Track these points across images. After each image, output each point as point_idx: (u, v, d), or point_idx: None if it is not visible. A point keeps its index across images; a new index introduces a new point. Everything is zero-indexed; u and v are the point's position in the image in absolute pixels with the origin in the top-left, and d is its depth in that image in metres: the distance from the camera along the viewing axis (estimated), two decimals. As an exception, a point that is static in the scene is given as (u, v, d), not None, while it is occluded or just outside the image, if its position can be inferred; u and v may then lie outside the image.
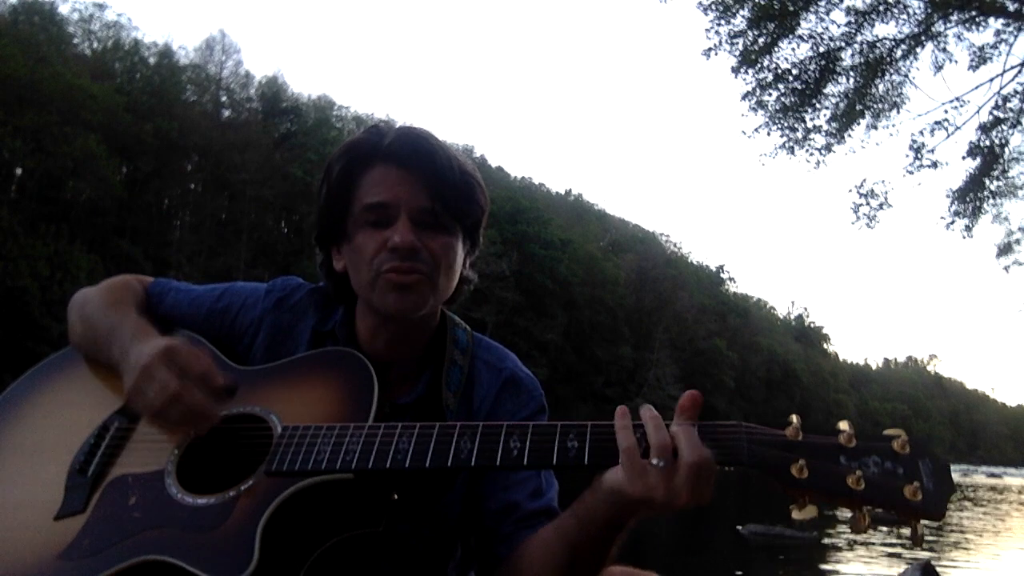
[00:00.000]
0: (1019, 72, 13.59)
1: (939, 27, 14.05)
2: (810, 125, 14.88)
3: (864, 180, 15.62)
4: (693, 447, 1.01)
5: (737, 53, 14.38)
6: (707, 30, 14.28)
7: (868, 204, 15.02)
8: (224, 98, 56.38)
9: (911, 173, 14.32)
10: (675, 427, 1.04)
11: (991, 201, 14.89)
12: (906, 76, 14.42)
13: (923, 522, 0.95)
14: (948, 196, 15.04)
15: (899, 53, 14.28)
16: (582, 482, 1.14)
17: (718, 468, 1.02)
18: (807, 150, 15.00)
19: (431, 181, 1.30)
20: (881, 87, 14.60)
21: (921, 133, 14.28)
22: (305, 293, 1.47)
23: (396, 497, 1.19)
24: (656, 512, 1.03)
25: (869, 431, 1.01)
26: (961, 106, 13.97)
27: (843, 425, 1.01)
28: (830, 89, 14.63)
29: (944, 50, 14.13)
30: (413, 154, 1.31)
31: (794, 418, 1.03)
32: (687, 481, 1.00)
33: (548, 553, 1.21)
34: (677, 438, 1.02)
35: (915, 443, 0.98)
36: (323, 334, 1.42)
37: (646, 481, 1.00)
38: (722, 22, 14.18)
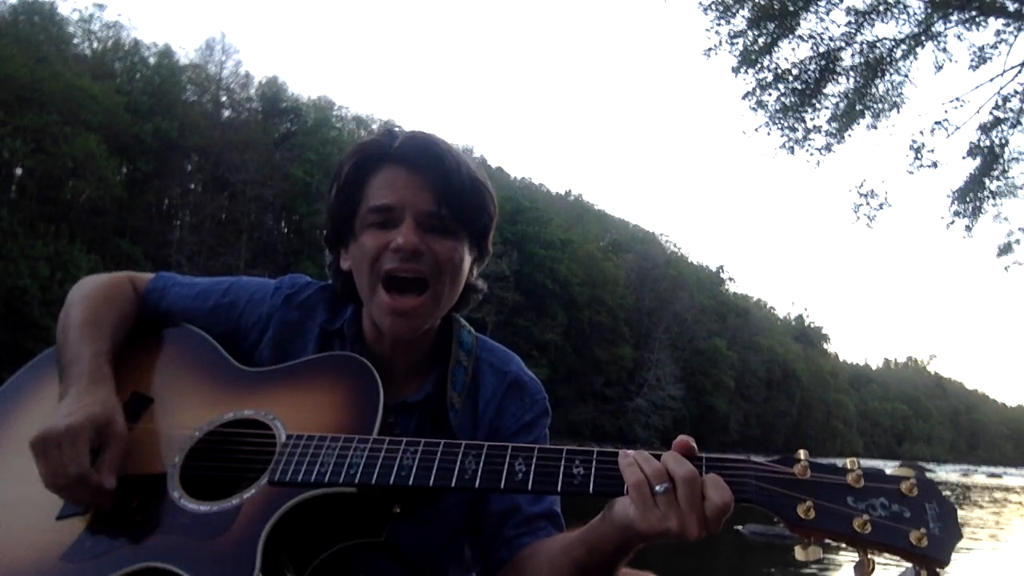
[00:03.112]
0: (1019, 72, 13.59)
1: (939, 27, 14.04)
2: (810, 125, 14.88)
3: (864, 180, 15.64)
4: (678, 462, 1.02)
5: (737, 53, 14.37)
6: (707, 30, 14.29)
7: (868, 204, 15.03)
8: (224, 98, 56.33)
9: (911, 173, 14.32)
10: (663, 455, 1.04)
11: (991, 201, 14.86)
12: (906, 76, 14.41)
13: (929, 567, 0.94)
14: (948, 196, 15.05)
15: (899, 53, 14.27)
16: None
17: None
18: (807, 150, 15.00)
19: (439, 185, 1.30)
20: (881, 87, 14.59)
21: (921, 133, 14.28)
22: (315, 290, 1.47)
23: (398, 510, 1.19)
24: (668, 539, 1.03)
25: (877, 470, 1.00)
26: (961, 106, 13.97)
27: (851, 464, 1.00)
28: (830, 89, 14.62)
29: (944, 50, 14.12)
30: (422, 157, 1.31)
31: (802, 454, 1.02)
32: (689, 502, 0.99)
33: (555, 572, 1.20)
34: (665, 461, 1.03)
35: (922, 485, 0.97)
36: (331, 333, 1.42)
37: (657, 513, 1.00)
38: (722, 22, 14.17)
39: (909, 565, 0.95)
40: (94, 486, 1.17)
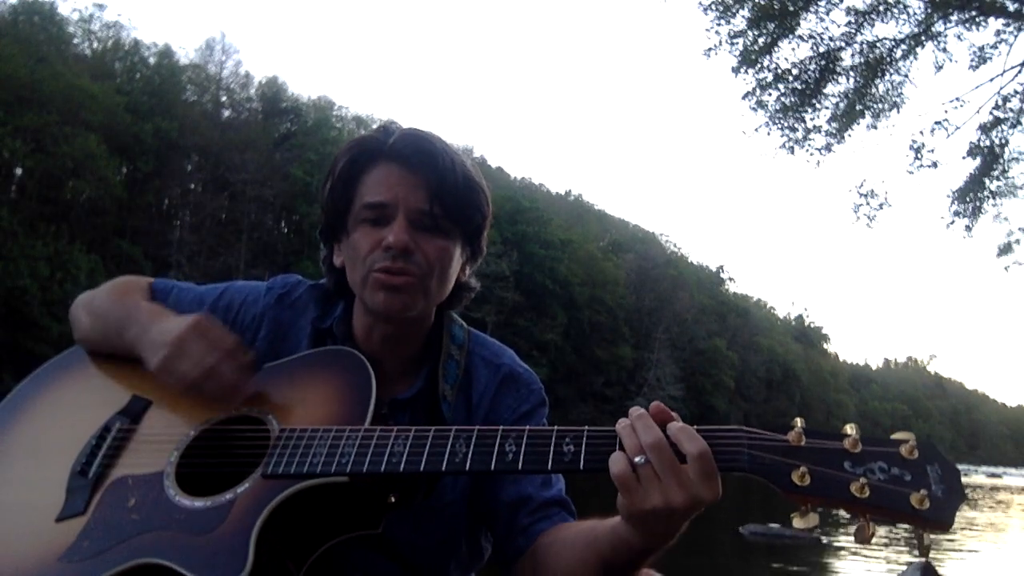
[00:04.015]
0: (1019, 72, 13.57)
1: (939, 27, 14.04)
2: (810, 125, 14.86)
3: (864, 180, 15.64)
4: (646, 429, 1.00)
5: (737, 53, 14.37)
6: (707, 30, 14.29)
7: (868, 204, 15.02)
8: (224, 98, 56.45)
9: (911, 173, 14.32)
10: (631, 419, 1.03)
11: (991, 201, 14.84)
12: (906, 76, 14.41)
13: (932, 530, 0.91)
14: (948, 196, 15.04)
15: (899, 53, 14.26)
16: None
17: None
18: (807, 150, 15.00)
19: (432, 183, 1.30)
20: (881, 87, 14.58)
21: (921, 133, 14.28)
22: (305, 289, 1.47)
23: (393, 500, 1.18)
24: (673, 523, 1.01)
25: (876, 434, 0.97)
26: (961, 106, 13.97)
27: (848, 429, 0.98)
28: (830, 89, 14.61)
29: (944, 50, 14.12)
30: (415, 155, 1.30)
31: (798, 421, 1.00)
32: (664, 468, 0.97)
33: (581, 564, 1.19)
34: (634, 427, 1.02)
35: (923, 447, 0.94)
36: (322, 331, 1.42)
37: (639, 491, 0.99)
38: (722, 22, 14.16)
39: (910, 565, 0.93)
40: (232, 363, 1.25)
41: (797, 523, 0.95)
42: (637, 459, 0.99)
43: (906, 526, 0.93)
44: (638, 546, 1.06)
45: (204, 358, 1.24)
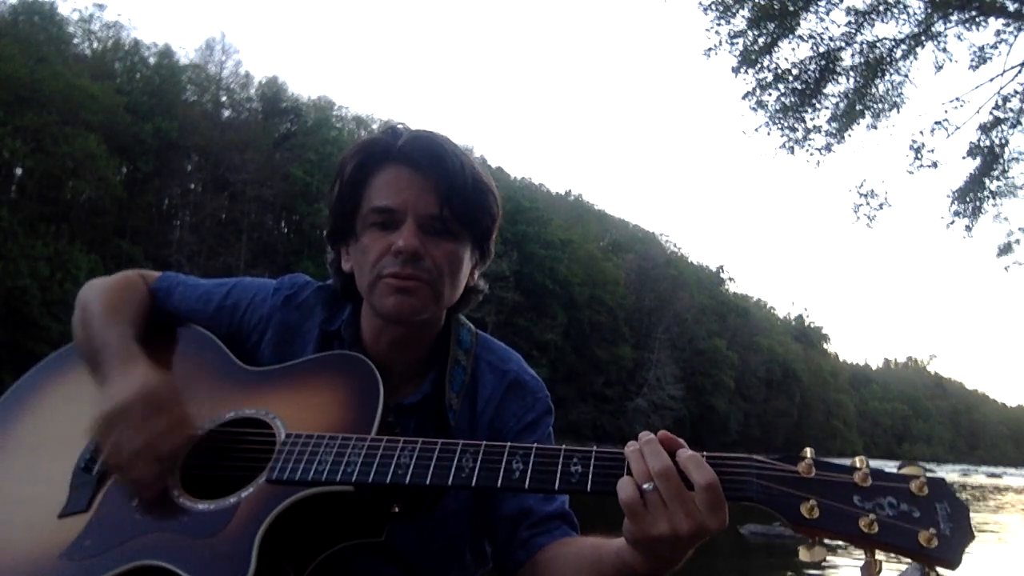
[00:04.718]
0: (1019, 72, 13.59)
1: (939, 27, 14.05)
2: (810, 125, 14.88)
3: (864, 180, 15.66)
4: (654, 455, 1.00)
5: (737, 53, 14.38)
6: (707, 30, 14.30)
7: (868, 204, 15.04)
8: (224, 98, 56.48)
9: (911, 173, 14.34)
10: (641, 446, 1.02)
11: (991, 201, 14.86)
12: (906, 76, 14.42)
13: (938, 569, 0.91)
14: (948, 196, 15.05)
15: (899, 53, 14.28)
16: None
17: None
18: (807, 150, 15.01)
19: (441, 187, 1.28)
20: (881, 87, 14.59)
21: (921, 133, 14.29)
22: (313, 291, 1.46)
23: (397, 510, 1.18)
24: (679, 550, 1.00)
25: (886, 469, 0.97)
26: (961, 106, 13.98)
27: (858, 462, 0.98)
28: (830, 89, 14.63)
29: (944, 50, 14.13)
30: (425, 158, 1.29)
31: (808, 452, 1.00)
32: (671, 497, 0.97)
33: None
34: (643, 454, 1.01)
35: (933, 485, 0.94)
36: (330, 334, 1.41)
37: (647, 518, 0.99)
38: (722, 22, 14.18)
39: (910, 565, 0.93)
40: (154, 457, 1.19)
41: (803, 556, 0.95)
42: (645, 486, 0.99)
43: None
44: (643, 571, 1.06)
45: (125, 444, 1.19)
